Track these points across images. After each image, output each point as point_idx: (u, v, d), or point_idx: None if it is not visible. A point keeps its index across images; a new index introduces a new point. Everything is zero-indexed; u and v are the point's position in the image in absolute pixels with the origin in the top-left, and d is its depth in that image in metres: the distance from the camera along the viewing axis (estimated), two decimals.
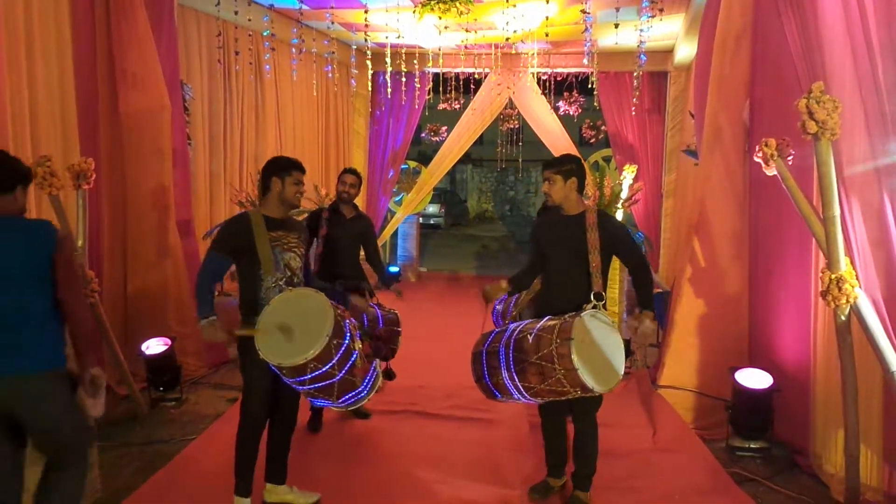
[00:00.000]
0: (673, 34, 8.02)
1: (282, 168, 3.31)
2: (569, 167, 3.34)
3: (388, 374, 4.13)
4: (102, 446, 3.77)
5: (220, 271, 3.32)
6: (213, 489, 3.64)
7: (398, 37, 6.54)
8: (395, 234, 11.19)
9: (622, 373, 3.08)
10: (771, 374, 4.18)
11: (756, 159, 3.31)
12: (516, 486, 3.71)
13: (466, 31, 6.61)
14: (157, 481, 3.71)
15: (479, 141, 10.51)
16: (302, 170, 3.36)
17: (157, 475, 3.77)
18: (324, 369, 2.88)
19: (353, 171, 4.60)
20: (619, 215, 6.70)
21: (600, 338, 3.03)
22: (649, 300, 3.32)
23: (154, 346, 4.95)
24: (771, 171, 3.26)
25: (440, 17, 6.12)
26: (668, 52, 8.91)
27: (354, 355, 3.00)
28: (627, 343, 5.89)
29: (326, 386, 2.96)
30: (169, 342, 5.00)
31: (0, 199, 2.54)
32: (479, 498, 3.62)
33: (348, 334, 2.99)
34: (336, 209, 4.58)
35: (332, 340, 2.86)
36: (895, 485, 3.35)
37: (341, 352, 2.92)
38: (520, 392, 3.13)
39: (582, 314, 3.02)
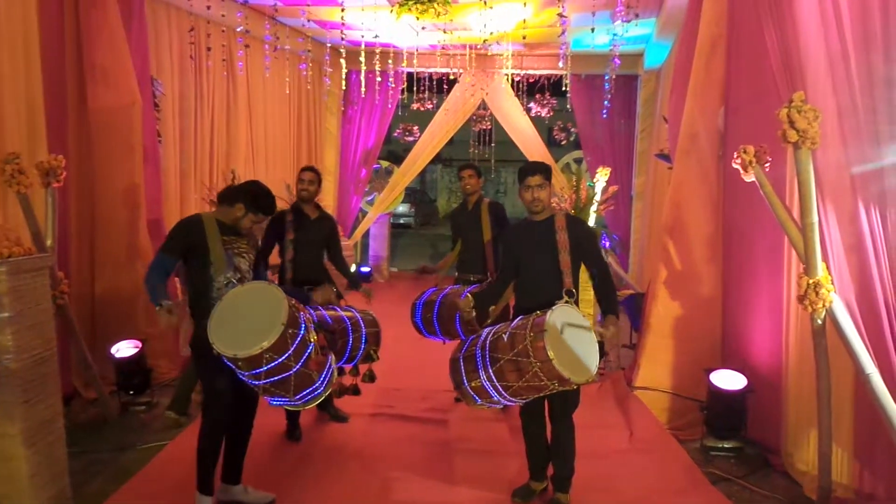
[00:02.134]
0: (643, 38, 8.14)
1: (254, 205, 3.34)
2: (549, 172, 3.43)
3: (370, 377, 4.11)
4: (71, 452, 3.64)
5: (168, 270, 3.29)
6: (189, 495, 3.55)
7: (375, 36, 6.49)
8: (366, 234, 11.12)
9: (597, 363, 3.11)
10: (744, 375, 4.26)
11: (734, 166, 3.37)
12: (498, 489, 3.71)
13: (444, 31, 6.59)
14: (131, 488, 3.63)
15: (450, 141, 10.52)
16: (270, 214, 3.45)
17: (131, 481, 3.69)
18: (279, 360, 2.86)
19: (311, 169, 4.51)
20: (593, 218, 6.77)
21: (572, 330, 3.07)
22: (613, 306, 3.39)
23: (124, 348, 4.83)
24: (749, 178, 3.32)
25: (418, 18, 6.09)
26: (639, 56, 9.04)
27: (310, 347, 2.99)
28: (601, 344, 5.94)
29: (283, 380, 2.93)
30: (139, 344, 4.88)
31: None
32: (461, 500, 3.62)
33: (303, 325, 2.98)
34: (299, 210, 4.46)
35: (288, 330, 2.85)
36: (865, 482, 3.45)
37: (297, 342, 2.90)
38: (499, 393, 3.14)
39: (553, 308, 3.07)
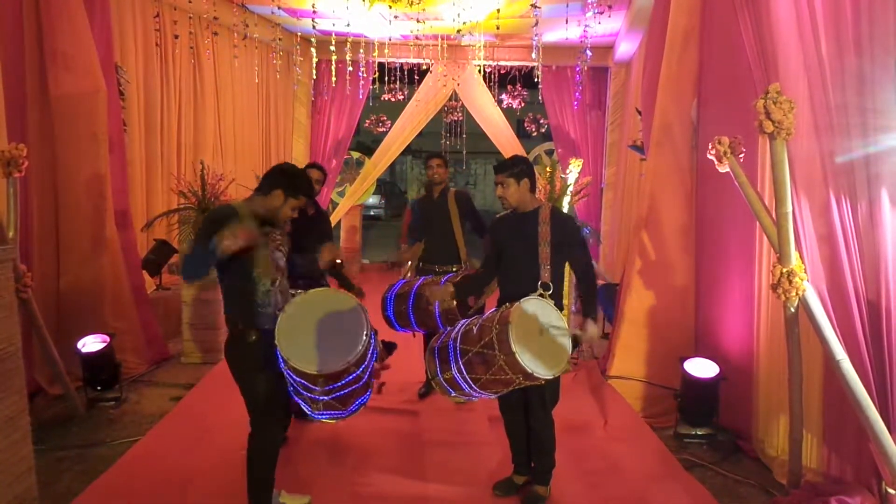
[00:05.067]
0: (614, 31, 8.19)
1: (293, 188, 3.00)
2: (520, 168, 3.35)
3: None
4: (37, 450, 3.52)
5: (209, 262, 2.83)
6: (160, 492, 3.50)
7: (347, 25, 6.39)
8: (336, 226, 11.01)
9: (566, 359, 3.04)
10: (716, 363, 4.33)
11: (709, 157, 3.40)
12: (479, 482, 3.70)
13: (418, 21, 6.53)
14: (99, 486, 3.54)
15: (420, 133, 10.46)
16: (312, 196, 3.18)
17: (100, 479, 3.60)
18: (357, 373, 2.73)
19: (318, 166, 4.41)
20: (566, 209, 6.81)
21: (542, 324, 3.03)
22: (593, 308, 3.35)
23: (91, 343, 4.70)
24: (724, 169, 3.35)
25: (390, 7, 6.02)
26: (609, 49, 9.10)
27: (375, 354, 2.92)
28: (576, 336, 5.98)
29: (349, 393, 2.79)
30: (107, 339, 4.76)
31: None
32: (443, 494, 3.59)
33: (373, 333, 2.87)
34: None
35: (368, 340, 2.75)
36: (834, 466, 3.53)
37: (370, 351, 2.81)
38: (469, 385, 3.11)
39: (522, 301, 3.03)
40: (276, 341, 2.72)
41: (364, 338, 2.70)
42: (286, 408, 3.24)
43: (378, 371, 3.08)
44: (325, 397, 2.80)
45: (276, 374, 2.86)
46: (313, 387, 2.74)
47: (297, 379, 2.74)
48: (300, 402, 2.94)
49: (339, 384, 2.73)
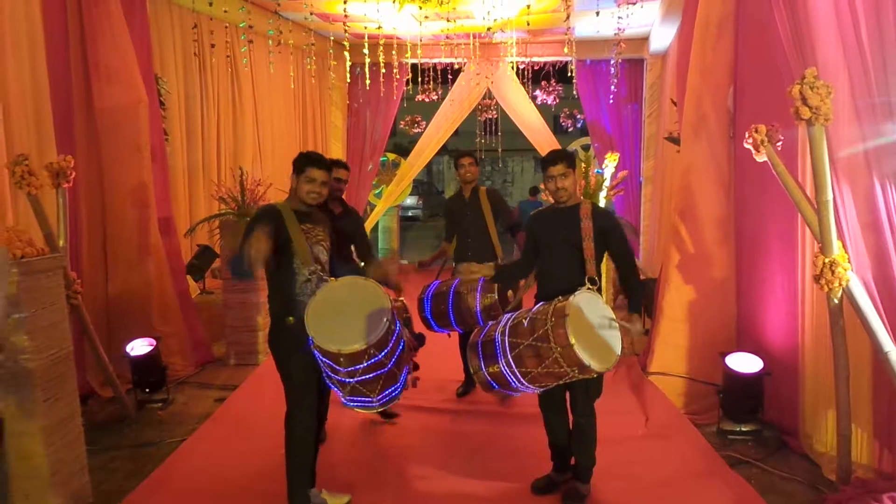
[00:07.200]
0: (648, 21, 8.05)
1: (297, 165, 3.19)
2: (573, 160, 3.38)
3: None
4: (90, 450, 3.67)
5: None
6: (206, 490, 3.60)
7: (378, 27, 6.45)
8: (374, 228, 11.11)
9: (619, 351, 3.06)
10: (760, 357, 4.23)
11: (746, 146, 3.33)
12: (517, 479, 3.68)
13: (448, 20, 6.54)
14: (149, 484, 3.65)
15: (455, 132, 10.47)
16: (320, 165, 3.16)
17: (149, 478, 3.71)
18: (379, 357, 2.81)
19: (342, 164, 4.43)
20: (602, 203, 6.73)
21: (595, 317, 3.03)
22: (638, 303, 3.33)
23: (139, 346, 4.86)
24: (761, 158, 3.28)
25: (420, 7, 6.05)
26: (644, 40, 8.96)
27: (402, 344, 2.98)
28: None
29: (373, 378, 2.87)
30: (154, 342, 4.91)
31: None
32: (482, 492, 3.60)
33: (398, 321, 2.96)
34: (324, 205, 4.43)
35: (390, 326, 2.83)
36: (885, 461, 3.42)
37: (394, 338, 2.88)
38: (517, 379, 3.09)
39: (576, 294, 3.02)
40: (304, 319, 2.85)
41: (385, 322, 2.77)
42: (321, 398, 3.31)
43: (410, 359, 3.10)
44: (350, 380, 2.88)
45: (311, 360, 2.97)
46: (337, 367, 2.85)
47: (324, 360, 2.87)
48: (332, 387, 3.04)
49: (362, 367, 2.81)
